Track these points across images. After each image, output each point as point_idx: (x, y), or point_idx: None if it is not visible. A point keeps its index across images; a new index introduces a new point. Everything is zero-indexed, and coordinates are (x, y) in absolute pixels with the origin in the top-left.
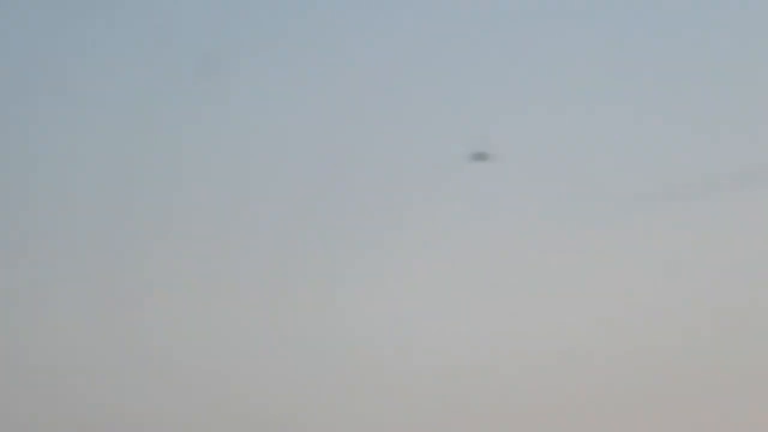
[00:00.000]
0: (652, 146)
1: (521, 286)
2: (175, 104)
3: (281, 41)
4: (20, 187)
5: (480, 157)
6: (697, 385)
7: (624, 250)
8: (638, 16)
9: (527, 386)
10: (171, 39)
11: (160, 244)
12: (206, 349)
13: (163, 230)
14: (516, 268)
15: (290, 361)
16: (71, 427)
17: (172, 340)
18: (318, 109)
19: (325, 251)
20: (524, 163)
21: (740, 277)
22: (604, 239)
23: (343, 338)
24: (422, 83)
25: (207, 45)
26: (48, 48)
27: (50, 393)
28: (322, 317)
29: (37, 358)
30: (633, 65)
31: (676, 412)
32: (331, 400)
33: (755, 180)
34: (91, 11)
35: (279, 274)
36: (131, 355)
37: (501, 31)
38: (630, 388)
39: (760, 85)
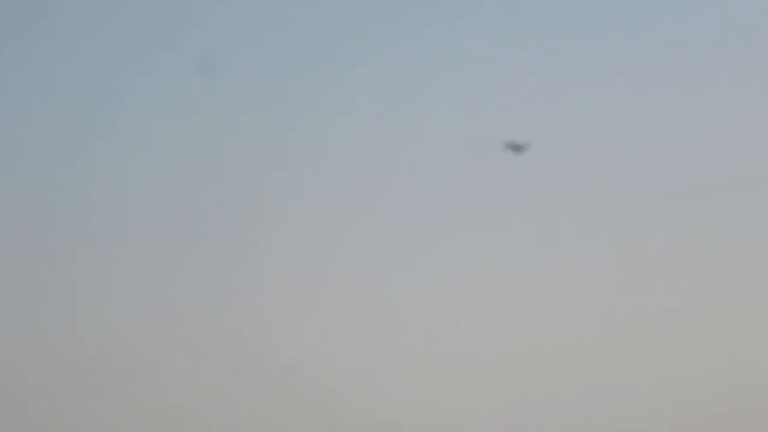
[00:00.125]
0: (654, 148)
1: (519, 286)
2: (175, 104)
3: (281, 41)
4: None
5: (515, 148)
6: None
7: (624, 251)
8: (642, 19)
9: (526, 386)
10: (171, 39)
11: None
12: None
13: (146, 226)
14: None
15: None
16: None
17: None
18: (318, 110)
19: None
20: (527, 164)
21: (740, 277)
22: (605, 240)
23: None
24: (424, 83)
25: (207, 45)
26: (48, 48)
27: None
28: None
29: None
30: (637, 69)
31: (676, 411)
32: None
33: (757, 181)
34: (91, 11)
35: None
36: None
37: (510, 31)
38: (629, 387)
39: (761, 87)
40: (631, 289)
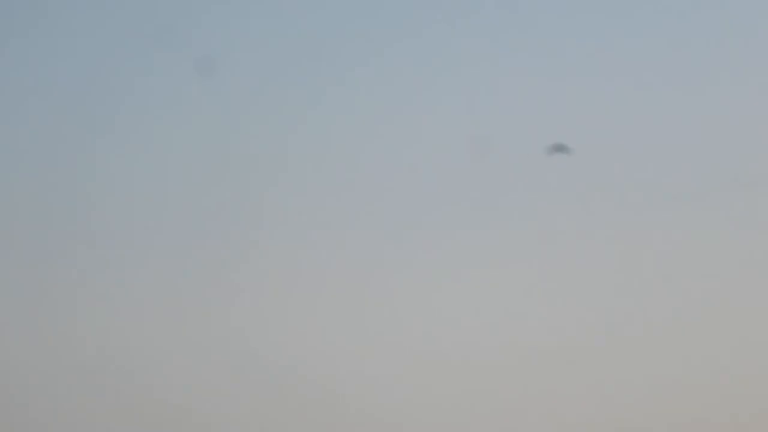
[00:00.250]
0: (655, 148)
1: (518, 287)
2: (175, 104)
3: (281, 41)
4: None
5: (560, 149)
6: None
7: (625, 251)
8: (642, 18)
9: (527, 386)
10: (171, 39)
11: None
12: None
13: (145, 227)
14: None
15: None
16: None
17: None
18: (317, 110)
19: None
20: (527, 165)
21: (741, 278)
22: (605, 240)
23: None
24: (424, 83)
25: (207, 45)
26: (48, 48)
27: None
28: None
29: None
30: (638, 69)
31: (677, 411)
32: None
33: (758, 182)
34: (91, 11)
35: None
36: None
37: (510, 31)
38: (629, 388)
39: (761, 89)
40: (632, 289)
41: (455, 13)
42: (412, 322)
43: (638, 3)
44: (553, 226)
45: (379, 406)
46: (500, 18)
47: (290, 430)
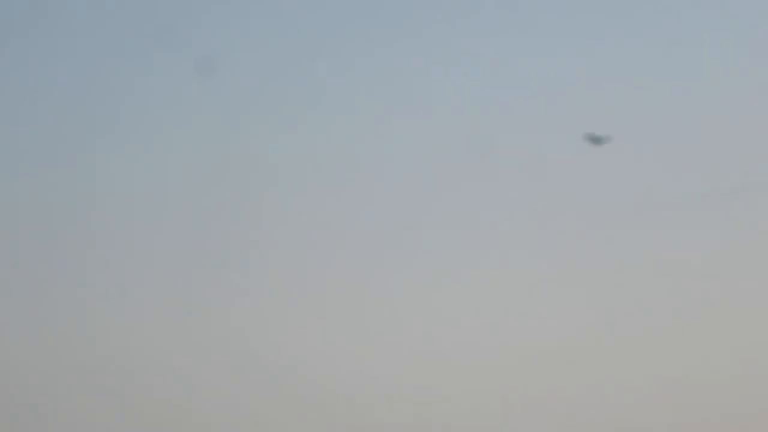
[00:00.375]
0: (655, 150)
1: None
2: (175, 104)
3: (281, 41)
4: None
5: (595, 140)
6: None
7: (625, 252)
8: (643, 20)
9: (527, 386)
10: (171, 39)
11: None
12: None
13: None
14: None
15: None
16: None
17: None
18: (316, 110)
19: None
20: (527, 164)
21: (741, 280)
22: (605, 240)
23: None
24: (424, 83)
25: (207, 45)
26: (48, 48)
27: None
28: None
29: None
30: (638, 70)
31: (677, 411)
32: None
33: (758, 185)
34: (91, 11)
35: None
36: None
37: (511, 31)
38: (629, 388)
39: (761, 94)
40: (632, 290)
41: (455, 13)
42: (412, 322)
43: (639, 3)
44: (554, 227)
45: (379, 406)
46: (501, 18)
47: (291, 429)
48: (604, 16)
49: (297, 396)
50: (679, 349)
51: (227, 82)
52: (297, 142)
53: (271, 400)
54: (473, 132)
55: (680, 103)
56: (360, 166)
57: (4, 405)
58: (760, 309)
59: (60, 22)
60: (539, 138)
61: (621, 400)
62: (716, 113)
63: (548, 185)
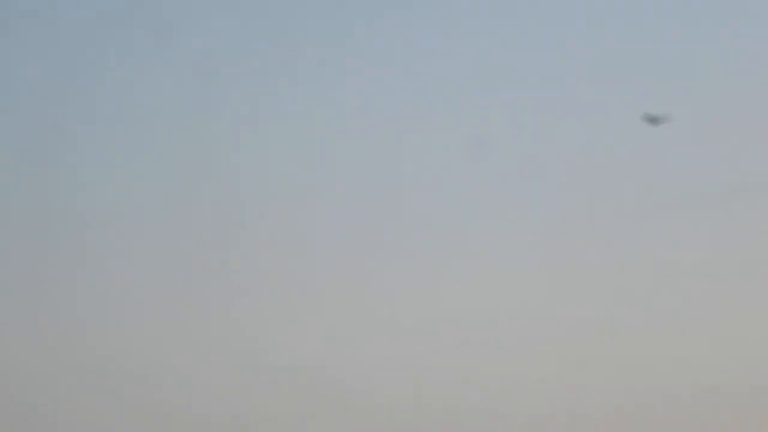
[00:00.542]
0: (656, 152)
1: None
2: (176, 104)
3: (281, 41)
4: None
5: (653, 120)
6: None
7: (626, 252)
8: (643, 22)
9: (527, 386)
10: (171, 39)
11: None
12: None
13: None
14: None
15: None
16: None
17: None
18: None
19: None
20: (528, 163)
21: (741, 280)
22: (606, 241)
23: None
24: (424, 83)
25: (207, 45)
26: (48, 47)
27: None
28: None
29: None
30: (639, 72)
31: (676, 410)
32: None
33: (754, 187)
34: (92, 11)
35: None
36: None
37: (512, 32)
38: (630, 387)
39: (760, 95)
40: (632, 290)
41: (455, 13)
42: (412, 321)
43: (638, 7)
44: (555, 228)
45: (380, 403)
46: (501, 18)
47: (291, 426)
48: (605, 18)
49: (297, 393)
50: (678, 347)
51: (227, 82)
52: (297, 141)
53: (270, 398)
54: (474, 132)
55: (681, 107)
56: (360, 165)
57: (5, 404)
58: (759, 310)
59: (60, 21)
60: (539, 137)
61: (621, 399)
62: (715, 117)
63: (550, 186)
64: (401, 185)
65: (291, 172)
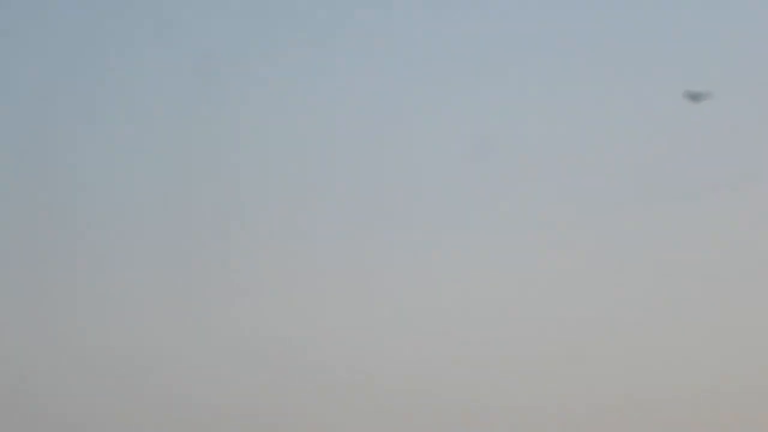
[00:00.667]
0: (653, 146)
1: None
2: (175, 104)
3: (281, 41)
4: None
5: (695, 97)
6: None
7: (624, 249)
8: (637, 18)
9: (527, 385)
10: (171, 39)
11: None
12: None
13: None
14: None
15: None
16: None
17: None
18: (315, 110)
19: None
20: (527, 162)
21: (740, 276)
22: (604, 238)
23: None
24: (425, 83)
25: (207, 45)
26: (48, 47)
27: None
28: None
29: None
30: (635, 67)
31: (676, 409)
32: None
33: (751, 180)
34: (92, 11)
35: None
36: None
37: (510, 30)
38: (629, 386)
39: (757, 88)
40: (631, 288)
41: (455, 13)
42: (412, 320)
43: (635, 4)
44: (553, 226)
45: (380, 401)
46: (501, 18)
47: (290, 422)
48: (603, 15)
49: (297, 390)
50: (678, 345)
51: (227, 82)
52: (297, 141)
53: (270, 394)
54: (474, 131)
55: (676, 102)
56: (360, 165)
57: (6, 404)
58: (758, 307)
59: (60, 21)
60: (538, 135)
61: (621, 398)
62: (710, 110)
63: (548, 183)
64: (401, 185)
65: (291, 172)
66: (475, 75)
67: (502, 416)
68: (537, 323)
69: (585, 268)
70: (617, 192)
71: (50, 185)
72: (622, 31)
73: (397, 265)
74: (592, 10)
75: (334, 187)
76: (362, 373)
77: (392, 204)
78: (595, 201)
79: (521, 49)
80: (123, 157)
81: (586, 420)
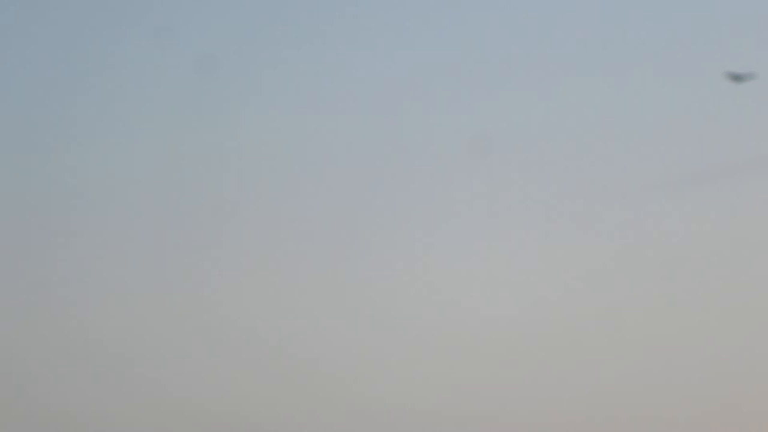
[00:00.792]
0: (651, 138)
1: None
2: (175, 103)
3: (281, 41)
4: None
5: (737, 78)
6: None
7: (625, 241)
8: (635, 14)
9: (527, 378)
10: (171, 38)
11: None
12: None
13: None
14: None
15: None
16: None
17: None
18: (315, 111)
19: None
20: (525, 158)
21: (735, 266)
22: (605, 232)
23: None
24: (425, 83)
25: (207, 44)
26: (48, 47)
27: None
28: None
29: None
30: (632, 62)
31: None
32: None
33: (753, 171)
34: (92, 10)
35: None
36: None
37: (509, 29)
38: (629, 382)
39: (758, 81)
40: (631, 281)
41: (455, 13)
42: (412, 318)
43: (632, 3)
44: (554, 220)
45: (381, 397)
46: (500, 17)
47: (286, 419)
48: (600, 13)
49: (293, 388)
50: (677, 342)
51: (227, 81)
52: (297, 141)
53: (265, 392)
54: (474, 130)
55: (677, 96)
56: (359, 164)
57: (7, 404)
58: (759, 300)
59: (60, 21)
60: (538, 133)
61: (621, 394)
62: (710, 103)
63: (549, 178)
64: (401, 184)
65: (291, 171)
66: (475, 74)
67: (502, 416)
68: (537, 324)
69: (584, 266)
70: (617, 192)
71: (50, 184)
72: (622, 21)
73: (397, 264)
74: (592, 10)
75: (333, 187)
76: (362, 373)
77: (392, 204)
78: (594, 200)
79: (520, 48)
80: (123, 156)
81: (586, 417)
